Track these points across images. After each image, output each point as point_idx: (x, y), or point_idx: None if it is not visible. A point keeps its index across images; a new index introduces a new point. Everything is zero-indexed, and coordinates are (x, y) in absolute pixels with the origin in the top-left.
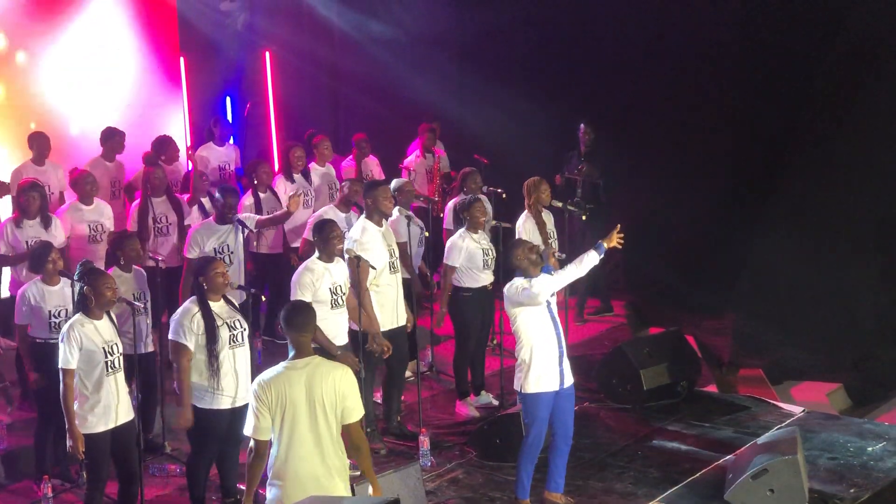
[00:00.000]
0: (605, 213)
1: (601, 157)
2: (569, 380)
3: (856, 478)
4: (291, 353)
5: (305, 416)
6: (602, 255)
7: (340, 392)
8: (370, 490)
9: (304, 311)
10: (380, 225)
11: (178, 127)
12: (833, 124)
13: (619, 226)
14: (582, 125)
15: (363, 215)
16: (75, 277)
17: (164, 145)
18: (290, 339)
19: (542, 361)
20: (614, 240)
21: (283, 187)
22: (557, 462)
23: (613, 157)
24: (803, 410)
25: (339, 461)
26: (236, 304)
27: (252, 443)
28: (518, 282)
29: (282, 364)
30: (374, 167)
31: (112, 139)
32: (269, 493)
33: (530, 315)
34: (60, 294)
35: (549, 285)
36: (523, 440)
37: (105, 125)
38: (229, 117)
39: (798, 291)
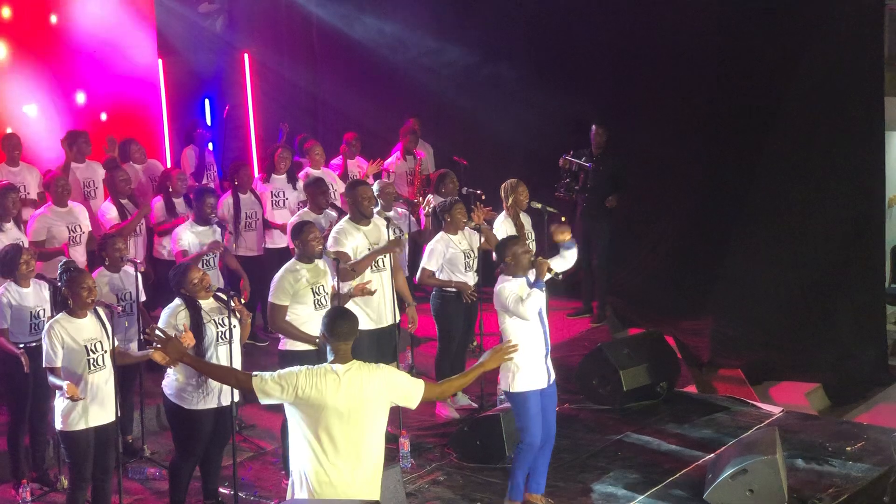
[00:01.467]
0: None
1: (612, 160)
2: (552, 377)
3: (835, 478)
4: (331, 358)
5: (346, 425)
6: (574, 247)
7: (388, 392)
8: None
9: (348, 319)
10: (362, 224)
11: (157, 129)
12: (807, 127)
13: (556, 226)
14: (594, 126)
15: (347, 216)
16: (58, 278)
17: (127, 148)
18: (330, 346)
19: (530, 361)
20: (567, 234)
21: (260, 188)
22: (539, 462)
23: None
24: (782, 410)
25: (377, 459)
26: (227, 301)
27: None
28: (509, 286)
29: (328, 367)
30: (360, 169)
31: (76, 142)
32: (296, 493)
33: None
34: (36, 294)
35: (536, 299)
36: (520, 442)
37: (83, 128)
38: (208, 119)
39: (776, 292)
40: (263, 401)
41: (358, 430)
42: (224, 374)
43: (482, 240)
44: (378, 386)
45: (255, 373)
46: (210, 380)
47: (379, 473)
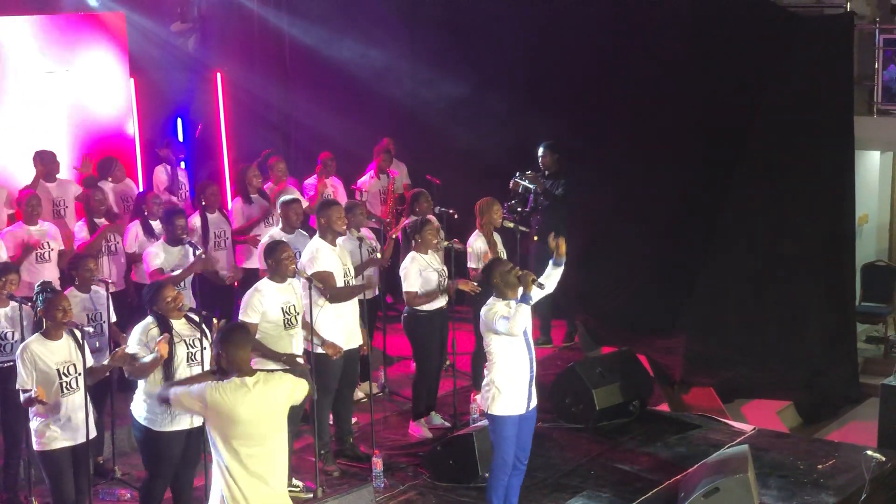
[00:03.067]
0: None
1: (561, 183)
2: (534, 402)
3: (806, 495)
4: (235, 374)
5: (262, 432)
6: (562, 265)
7: (288, 396)
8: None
9: (238, 329)
10: (333, 244)
11: (128, 148)
12: (781, 147)
13: (552, 236)
14: (540, 148)
15: (317, 235)
16: (23, 300)
17: (108, 166)
18: (230, 359)
19: (513, 385)
20: (563, 252)
21: (239, 208)
22: (513, 482)
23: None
24: (754, 428)
25: (285, 466)
26: (198, 321)
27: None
28: (497, 308)
29: (237, 380)
30: (333, 188)
31: (45, 161)
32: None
33: (505, 339)
34: (5, 316)
35: (524, 315)
36: (493, 462)
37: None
38: (180, 138)
39: (748, 311)
40: (176, 409)
41: (268, 440)
42: (141, 371)
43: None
44: (283, 394)
45: (172, 390)
46: None
47: (285, 483)
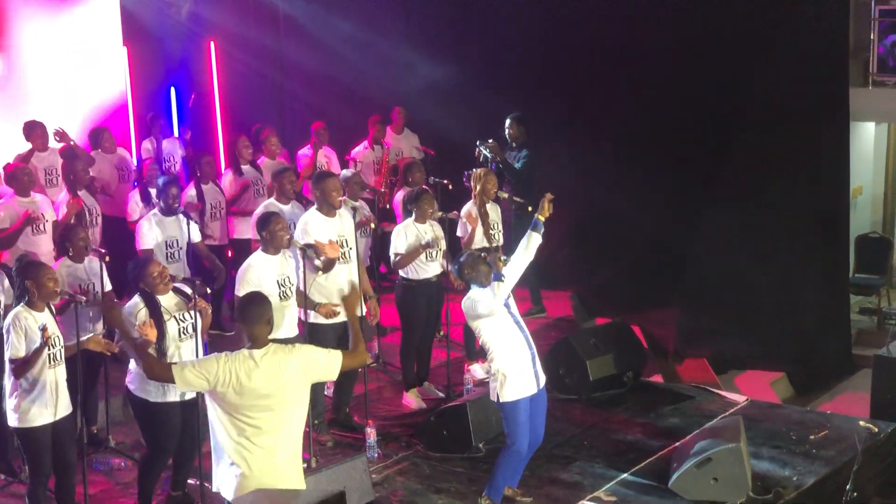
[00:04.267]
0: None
1: (526, 154)
2: (542, 380)
3: (798, 466)
4: (248, 345)
5: (264, 410)
6: (542, 231)
7: (307, 371)
8: None
9: (257, 302)
10: (329, 215)
11: (121, 118)
12: (775, 119)
13: (548, 194)
14: (507, 119)
15: (313, 207)
16: (14, 272)
17: (99, 136)
18: (245, 333)
19: (517, 368)
20: (546, 209)
21: (230, 180)
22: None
23: (558, 151)
24: (747, 399)
25: (298, 442)
26: (189, 294)
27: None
28: (472, 294)
29: (245, 353)
30: (327, 158)
31: (34, 131)
32: (228, 477)
33: (493, 325)
34: None
35: (501, 290)
36: (506, 447)
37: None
38: (174, 108)
39: (742, 282)
40: (182, 389)
41: (278, 416)
42: (148, 366)
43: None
44: (297, 367)
45: (174, 362)
46: None
47: (299, 456)
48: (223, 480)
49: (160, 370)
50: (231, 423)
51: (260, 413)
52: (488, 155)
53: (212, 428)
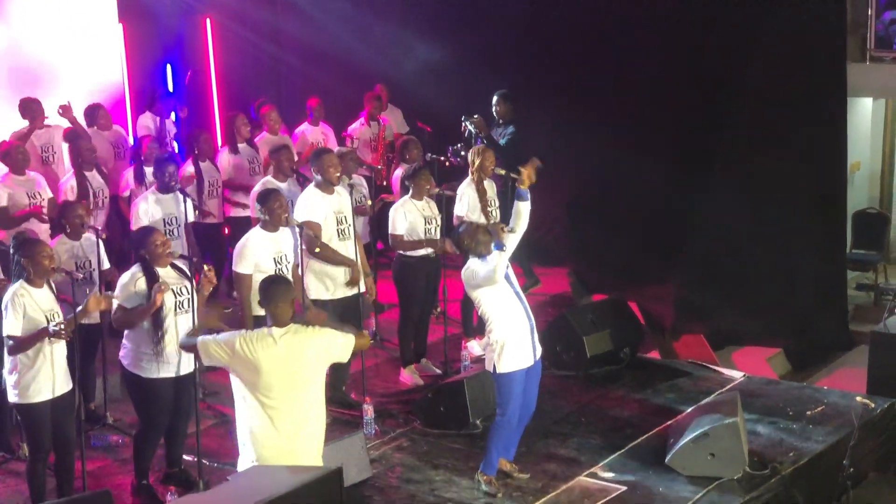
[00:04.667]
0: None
1: (513, 131)
2: (539, 352)
3: (795, 441)
4: (270, 323)
5: (283, 389)
6: (528, 198)
7: (324, 352)
8: None
9: (278, 282)
10: (328, 192)
11: (117, 95)
12: (773, 94)
13: (532, 161)
14: (494, 96)
15: (311, 184)
16: (10, 249)
17: (93, 113)
18: (267, 311)
19: (515, 339)
20: (526, 177)
21: (227, 159)
22: (515, 434)
23: (556, 125)
24: (744, 375)
25: (317, 426)
26: (185, 270)
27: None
28: (471, 265)
29: (265, 332)
30: (323, 135)
31: (30, 108)
32: (245, 462)
33: (493, 295)
34: None
35: (501, 260)
36: (497, 418)
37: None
38: (170, 85)
39: (739, 259)
40: (206, 362)
41: (296, 394)
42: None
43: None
44: (316, 349)
45: (200, 336)
46: (167, 348)
47: (321, 436)
48: (241, 465)
49: (186, 340)
50: (250, 403)
51: (277, 393)
52: (473, 130)
53: (236, 411)
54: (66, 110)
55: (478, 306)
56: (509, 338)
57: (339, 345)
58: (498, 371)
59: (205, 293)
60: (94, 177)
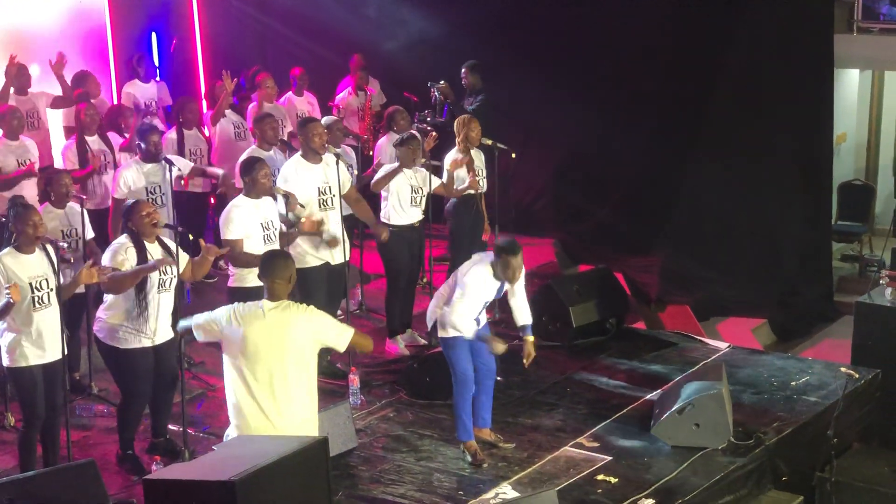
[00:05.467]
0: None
1: (483, 97)
2: (482, 322)
3: (780, 412)
4: (265, 296)
5: (268, 362)
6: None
7: (315, 333)
8: None
9: (277, 257)
10: (313, 161)
11: (102, 62)
12: (759, 65)
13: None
14: (463, 68)
15: (297, 153)
16: (5, 212)
17: (82, 80)
18: (264, 285)
19: (467, 318)
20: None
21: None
22: (482, 398)
23: (542, 94)
24: (729, 346)
25: (303, 411)
26: (171, 248)
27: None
28: (478, 280)
29: (257, 305)
30: (306, 105)
31: (18, 73)
32: (230, 429)
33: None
34: None
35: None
36: (452, 380)
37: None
38: (155, 53)
39: (724, 230)
40: (201, 339)
41: (281, 368)
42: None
43: (432, 180)
44: (304, 327)
45: (193, 319)
46: (149, 321)
47: (312, 416)
48: (228, 436)
49: (183, 325)
50: (235, 377)
51: (261, 368)
52: (438, 95)
53: (226, 387)
54: (58, 63)
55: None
56: (461, 316)
57: (332, 331)
58: (440, 335)
59: (208, 261)
60: (95, 141)
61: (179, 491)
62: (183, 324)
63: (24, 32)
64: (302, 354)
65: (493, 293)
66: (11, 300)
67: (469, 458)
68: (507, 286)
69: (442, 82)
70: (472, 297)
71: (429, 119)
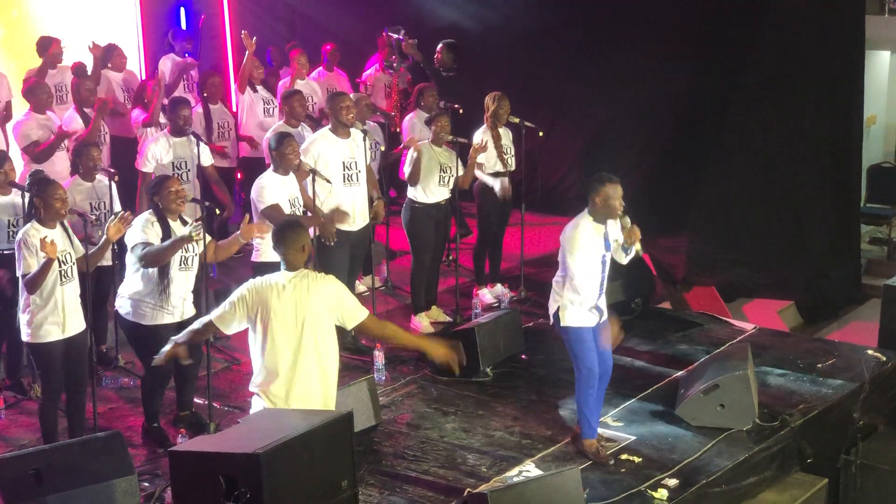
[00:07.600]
0: None
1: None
2: (604, 316)
3: (805, 394)
4: (283, 268)
5: (290, 331)
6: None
7: (331, 303)
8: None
9: (292, 227)
10: (342, 136)
11: (130, 38)
12: (790, 46)
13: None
14: (440, 44)
15: (327, 127)
16: (25, 187)
17: (109, 53)
18: (281, 256)
19: (582, 301)
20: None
21: (248, 98)
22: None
23: (570, 74)
24: (755, 327)
25: (324, 379)
26: (204, 213)
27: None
28: (586, 232)
29: (275, 275)
30: (337, 81)
31: (49, 47)
32: (254, 403)
33: (585, 261)
34: (13, 204)
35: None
36: (576, 375)
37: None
38: (183, 28)
39: (752, 211)
40: (228, 331)
41: (304, 338)
42: (193, 338)
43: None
44: (322, 295)
45: (208, 316)
46: (172, 298)
47: (332, 383)
48: (254, 408)
49: (202, 333)
50: (260, 346)
51: (284, 336)
52: (396, 36)
53: (251, 354)
54: (96, 47)
55: (562, 257)
56: (576, 297)
57: (346, 305)
58: (562, 324)
59: (239, 242)
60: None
61: (205, 463)
62: (200, 327)
63: (54, 7)
64: (322, 321)
65: (602, 246)
66: (49, 258)
67: (590, 456)
68: (612, 241)
69: (409, 37)
70: (583, 254)
71: (395, 65)
